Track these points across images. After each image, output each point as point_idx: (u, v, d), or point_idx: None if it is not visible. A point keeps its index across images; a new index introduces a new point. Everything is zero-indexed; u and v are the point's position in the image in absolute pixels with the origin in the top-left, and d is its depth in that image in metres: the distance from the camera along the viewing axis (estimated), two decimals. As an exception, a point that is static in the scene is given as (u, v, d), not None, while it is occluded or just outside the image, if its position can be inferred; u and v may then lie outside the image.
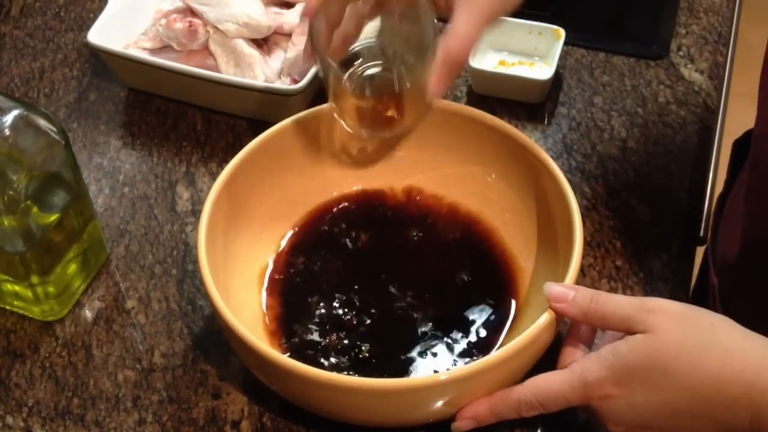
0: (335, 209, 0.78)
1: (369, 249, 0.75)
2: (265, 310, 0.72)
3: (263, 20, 0.87)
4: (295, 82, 0.86)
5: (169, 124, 0.88)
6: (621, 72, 0.91)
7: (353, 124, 0.73)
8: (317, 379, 0.60)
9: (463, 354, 0.68)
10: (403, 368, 0.68)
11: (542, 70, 0.90)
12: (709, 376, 0.56)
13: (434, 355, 0.68)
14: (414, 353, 0.69)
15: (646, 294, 0.74)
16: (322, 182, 0.77)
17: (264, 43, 0.89)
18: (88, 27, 0.88)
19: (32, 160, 0.67)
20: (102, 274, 0.77)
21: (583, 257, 0.73)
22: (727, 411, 0.56)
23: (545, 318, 0.61)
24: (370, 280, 0.73)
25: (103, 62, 0.91)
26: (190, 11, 0.87)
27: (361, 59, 0.71)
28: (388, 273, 0.74)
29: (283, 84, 0.86)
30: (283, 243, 0.76)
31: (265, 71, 0.86)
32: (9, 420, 0.69)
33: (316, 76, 0.83)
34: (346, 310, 0.71)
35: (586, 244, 0.77)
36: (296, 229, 0.77)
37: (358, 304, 0.72)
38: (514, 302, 0.71)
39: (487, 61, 0.91)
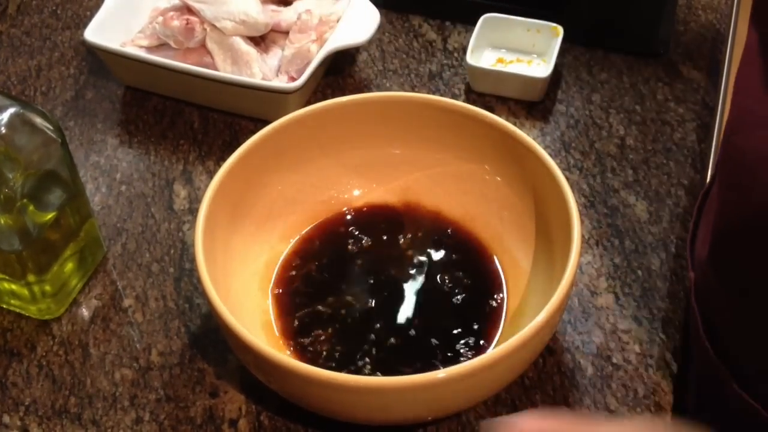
0: (333, 208, 0.78)
1: (367, 247, 0.75)
2: (262, 308, 0.72)
3: (260, 18, 0.86)
4: (293, 79, 0.85)
5: (166, 122, 0.88)
6: (619, 69, 0.91)
7: None
8: (315, 377, 0.60)
9: (461, 353, 0.68)
10: (401, 366, 0.68)
11: (540, 68, 0.90)
12: None
13: (432, 353, 0.68)
14: (411, 352, 0.69)
15: (645, 292, 0.74)
16: (319, 180, 0.77)
17: (261, 40, 0.89)
18: (85, 25, 0.88)
19: (28, 158, 0.67)
20: (99, 272, 0.77)
21: (581, 255, 0.73)
22: None
23: (543, 316, 0.61)
24: (368, 279, 0.73)
25: (100, 60, 0.91)
26: (187, 9, 0.87)
27: None
28: (386, 271, 0.74)
29: (281, 82, 0.86)
30: (282, 241, 0.76)
31: (262, 69, 0.86)
32: (6, 419, 0.69)
33: (313, 74, 0.83)
34: (343, 308, 0.71)
35: (584, 241, 0.77)
36: (295, 228, 0.76)
37: (355, 303, 0.72)
38: (511, 300, 0.71)
39: (485, 58, 0.91)
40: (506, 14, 0.91)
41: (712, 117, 0.88)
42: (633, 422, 0.56)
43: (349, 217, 0.77)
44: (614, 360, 0.70)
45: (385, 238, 0.76)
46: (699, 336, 0.73)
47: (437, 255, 0.75)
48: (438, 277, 0.73)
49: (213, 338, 0.72)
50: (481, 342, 0.69)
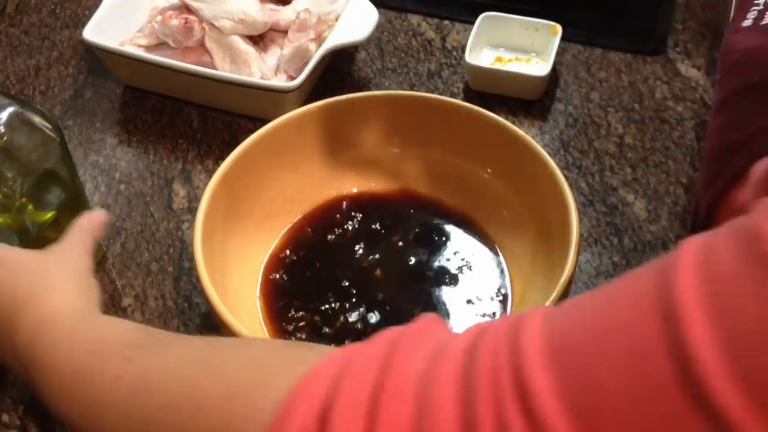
0: (332, 207, 0.78)
1: (365, 247, 0.75)
2: (261, 307, 0.72)
3: (259, 17, 0.86)
4: (292, 78, 0.85)
5: (165, 122, 0.88)
6: (618, 68, 0.91)
7: None
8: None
9: (460, 351, 0.68)
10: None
11: (539, 67, 0.90)
12: None
13: (431, 352, 0.68)
14: (411, 350, 0.69)
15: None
16: (318, 179, 0.77)
17: (260, 39, 0.89)
18: (84, 24, 0.88)
19: (27, 157, 0.67)
20: (98, 271, 0.77)
21: (580, 254, 0.73)
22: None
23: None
24: (366, 279, 0.73)
25: (99, 59, 0.91)
26: (185, 8, 0.87)
27: None
28: (384, 271, 0.74)
29: (280, 81, 0.86)
30: (280, 240, 0.76)
31: (261, 68, 0.86)
32: (5, 418, 0.69)
33: (312, 73, 0.83)
34: (342, 308, 0.71)
35: (583, 240, 0.77)
36: (293, 227, 0.76)
37: (354, 302, 0.72)
38: (510, 299, 0.71)
39: (483, 57, 0.91)
40: (505, 13, 0.91)
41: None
42: None
43: (347, 215, 0.77)
44: (613, 358, 0.70)
45: (384, 237, 0.76)
46: None
47: (436, 254, 0.75)
48: (436, 275, 0.73)
49: (212, 337, 0.72)
50: (480, 340, 0.69)
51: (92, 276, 0.63)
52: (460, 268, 0.73)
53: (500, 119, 0.73)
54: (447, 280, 0.73)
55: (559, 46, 0.89)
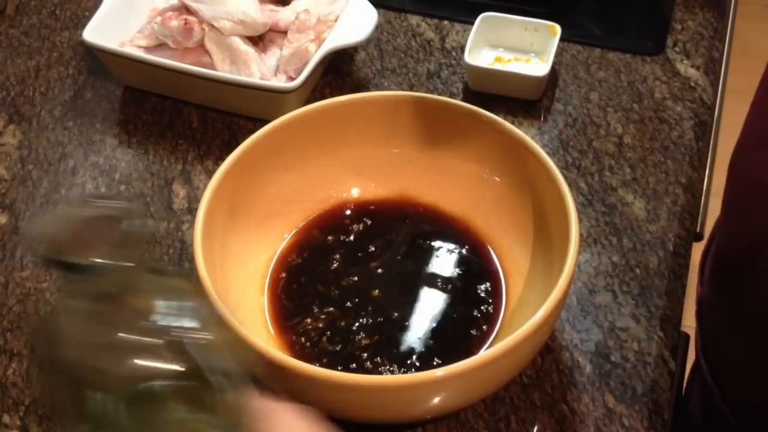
0: (331, 207, 0.78)
1: (366, 247, 0.75)
2: (261, 307, 0.72)
3: (259, 17, 0.87)
4: (291, 79, 0.85)
5: (165, 122, 0.88)
6: (617, 68, 0.91)
7: None
8: (314, 376, 0.60)
9: (459, 351, 0.68)
10: (399, 366, 0.68)
11: (538, 67, 0.90)
12: None
13: (430, 352, 0.69)
14: (410, 350, 0.69)
15: (643, 290, 0.74)
16: (318, 180, 0.77)
17: (260, 40, 0.89)
18: (84, 25, 0.88)
19: None
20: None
21: (580, 253, 0.73)
22: None
23: (541, 314, 0.61)
24: (367, 279, 0.73)
25: (99, 60, 0.91)
26: (185, 9, 0.87)
27: None
28: (385, 270, 0.74)
29: (279, 81, 0.86)
30: (281, 241, 0.76)
31: (260, 68, 0.86)
32: (6, 419, 0.69)
33: (312, 73, 0.83)
34: (342, 307, 0.71)
35: (582, 240, 0.77)
36: (294, 227, 0.77)
37: (355, 302, 0.72)
38: (510, 299, 0.71)
39: (483, 57, 0.91)
40: (504, 13, 0.91)
41: (710, 115, 0.88)
42: None
43: (347, 216, 0.77)
44: (612, 358, 0.71)
45: (383, 237, 0.76)
46: (697, 352, 0.74)
47: (435, 254, 0.75)
48: (436, 275, 0.73)
49: (212, 337, 0.72)
50: (479, 341, 0.69)
51: None
52: (458, 268, 0.73)
53: (499, 119, 0.73)
54: (446, 280, 0.73)
55: (559, 47, 0.89)
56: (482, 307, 0.71)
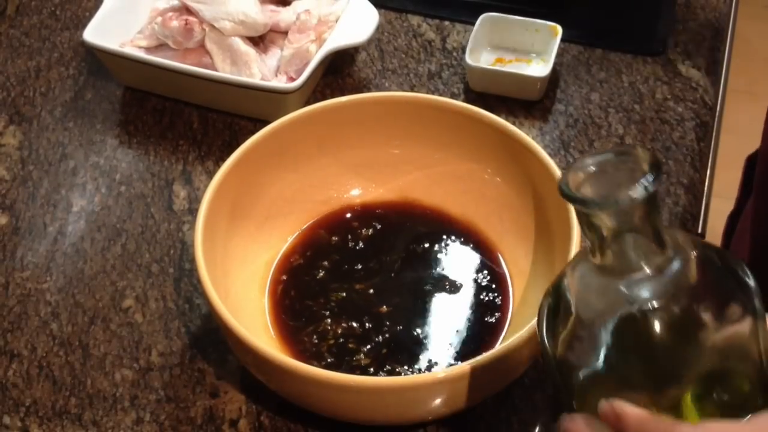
0: (332, 208, 0.78)
1: (368, 248, 0.75)
2: (262, 308, 0.72)
3: (259, 18, 0.86)
4: (292, 80, 0.85)
5: (166, 123, 0.88)
6: (618, 68, 0.91)
7: None
8: (315, 377, 0.60)
9: (460, 353, 0.68)
10: (401, 366, 0.68)
11: (539, 67, 0.90)
12: None
13: (431, 353, 0.68)
14: (411, 352, 0.69)
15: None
16: (319, 180, 0.77)
17: (260, 40, 0.89)
18: (84, 25, 0.88)
19: None
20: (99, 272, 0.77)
21: (581, 254, 0.73)
22: None
23: (543, 315, 0.61)
24: (367, 279, 0.73)
25: (99, 61, 0.91)
26: (186, 9, 0.87)
27: None
28: (386, 272, 0.74)
29: (280, 82, 0.86)
30: (282, 242, 0.76)
31: (261, 69, 0.86)
32: (6, 420, 0.69)
33: (312, 74, 0.83)
34: (343, 308, 0.71)
35: (583, 241, 0.77)
36: (295, 228, 0.76)
37: (356, 304, 0.72)
38: (510, 300, 0.71)
39: (483, 58, 0.91)
40: (505, 14, 0.91)
41: (711, 116, 0.88)
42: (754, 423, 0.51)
43: (348, 216, 0.77)
44: (614, 359, 0.70)
45: (384, 238, 0.76)
46: None
47: (436, 255, 0.75)
48: (437, 276, 0.73)
49: (213, 339, 0.72)
50: (481, 343, 0.69)
51: None
52: (460, 269, 0.73)
53: (500, 120, 0.73)
54: (447, 281, 0.73)
55: (560, 47, 0.89)
56: (483, 308, 0.71)
